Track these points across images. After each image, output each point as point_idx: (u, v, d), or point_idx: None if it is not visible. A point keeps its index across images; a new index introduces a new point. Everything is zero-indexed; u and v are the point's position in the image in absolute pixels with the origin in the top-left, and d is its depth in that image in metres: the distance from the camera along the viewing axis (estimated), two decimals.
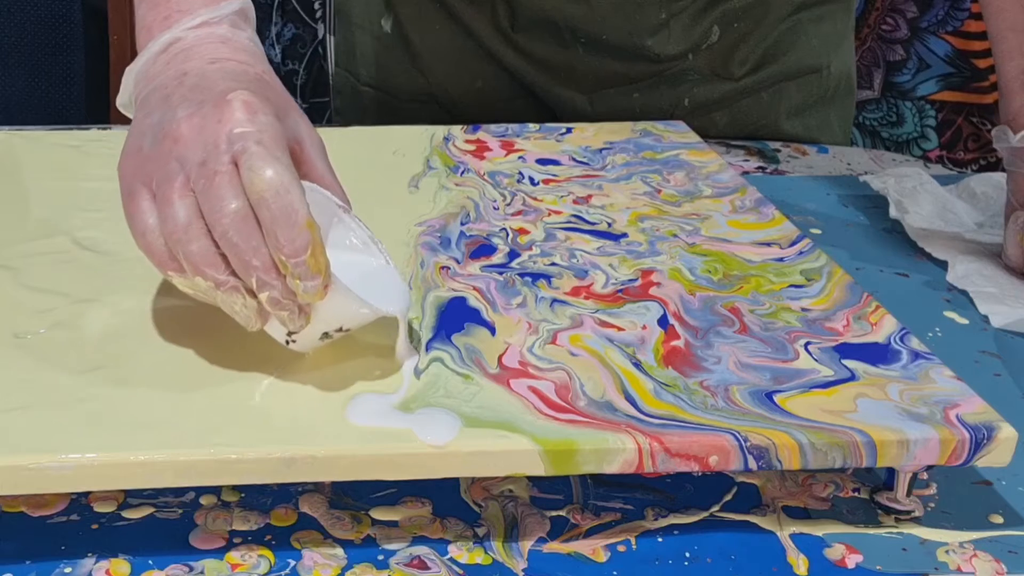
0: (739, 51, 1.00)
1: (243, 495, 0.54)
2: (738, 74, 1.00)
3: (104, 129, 0.90)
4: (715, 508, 0.55)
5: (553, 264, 0.67)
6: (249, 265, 0.52)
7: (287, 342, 0.55)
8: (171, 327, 0.58)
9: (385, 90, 1.04)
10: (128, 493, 0.54)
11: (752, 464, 0.51)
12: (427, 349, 0.57)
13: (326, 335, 0.55)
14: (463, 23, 0.99)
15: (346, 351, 0.57)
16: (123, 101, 0.62)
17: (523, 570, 0.50)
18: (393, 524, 0.53)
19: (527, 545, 0.52)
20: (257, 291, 0.52)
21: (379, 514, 0.53)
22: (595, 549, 0.52)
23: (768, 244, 0.71)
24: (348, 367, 0.55)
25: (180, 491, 0.54)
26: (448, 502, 0.54)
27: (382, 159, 0.83)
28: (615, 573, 0.50)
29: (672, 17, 0.96)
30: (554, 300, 0.62)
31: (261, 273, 0.52)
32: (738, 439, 0.51)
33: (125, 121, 0.62)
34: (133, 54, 0.61)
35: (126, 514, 0.53)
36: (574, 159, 0.84)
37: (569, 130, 0.90)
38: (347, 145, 0.86)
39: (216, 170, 0.52)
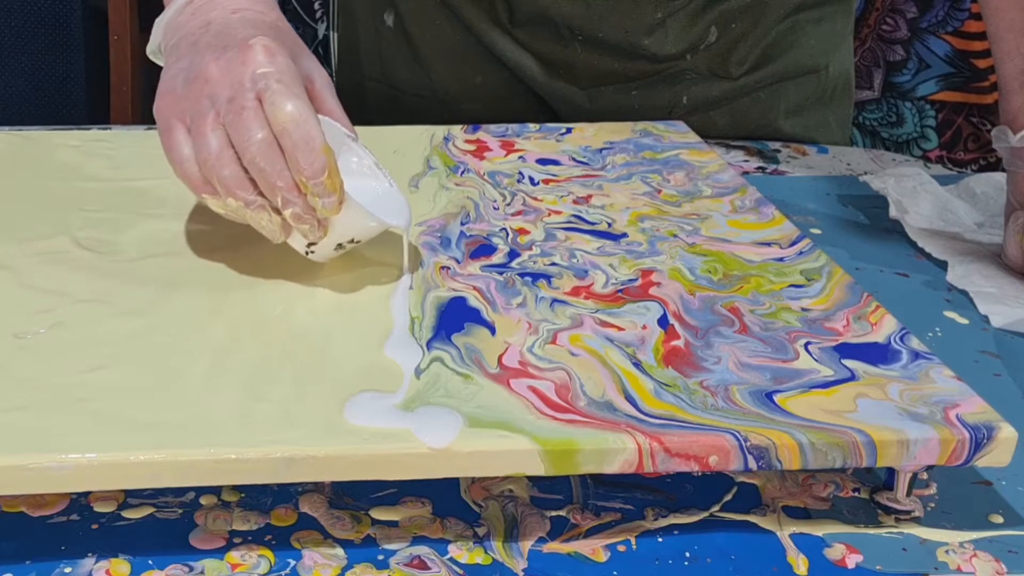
0: (737, 51, 1.00)
1: (243, 495, 0.54)
2: (736, 74, 1.00)
3: (104, 129, 0.90)
4: (715, 508, 0.55)
5: (553, 264, 0.67)
6: (274, 186, 0.59)
7: (307, 252, 0.63)
8: (172, 328, 0.58)
9: (388, 84, 1.04)
10: (128, 493, 0.54)
11: (752, 464, 0.51)
12: (427, 349, 0.57)
13: (340, 246, 0.63)
14: (462, 18, 0.99)
15: (355, 262, 0.65)
16: (152, 49, 0.69)
17: (523, 570, 0.50)
18: (393, 524, 0.53)
19: (527, 545, 0.52)
20: (282, 208, 0.60)
21: (379, 514, 0.53)
22: (595, 549, 0.52)
23: (768, 244, 0.71)
24: (349, 366, 0.55)
25: (180, 491, 0.54)
26: (448, 502, 0.54)
27: (382, 159, 0.82)
28: (615, 573, 0.50)
29: (668, 17, 0.97)
30: (554, 300, 0.62)
31: (285, 193, 0.59)
32: (738, 439, 0.51)
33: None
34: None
35: (126, 514, 0.53)
36: (574, 159, 0.84)
37: (569, 130, 0.90)
38: None
39: (243, 105, 0.59)
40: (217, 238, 0.68)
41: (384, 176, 0.66)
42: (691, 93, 1.01)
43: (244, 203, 0.60)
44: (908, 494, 0.55)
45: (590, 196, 0.77)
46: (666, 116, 1.00)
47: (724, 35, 0.99)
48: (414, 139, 0.86)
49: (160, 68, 0.66)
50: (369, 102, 1.06)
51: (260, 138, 0.59)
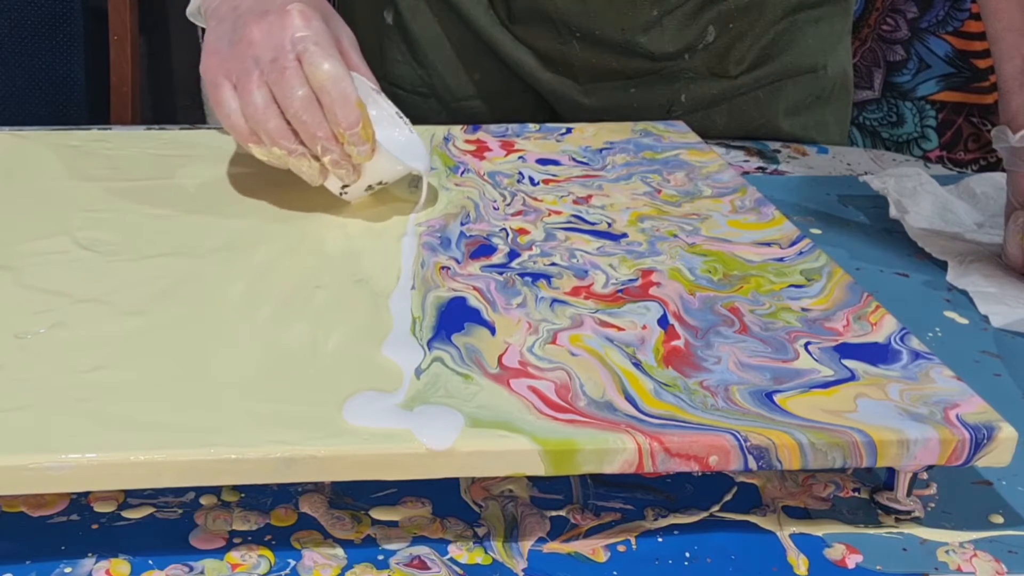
0: (735, 51, 1.00)
1: (243, 495, 0.54)
2: (734, 73, 1.01)
3: (104, 129, 0.90)
4: (715, 508, 0.55)
5: (553, 264, 0.67)
6: (315, 136, 0.67)
7: (341, 193, 0.72)
8: (172, 327, 0.58)
9: (389, 82, 1.05)
10: (128, 493, 0.54)
11: (752, 464, 0.51)
12: (428, 349, 0.57)
13: (370, 187, 0.72)
14: (461, 14, 1.00)
15: (375, 199, 0.74)
16: (191, 10, 0.76)
17: (523, 570, 0.50)
18: (393, 524, 0.53)
19: (527, 545, 0.52)
20: (320, 156, 0.68)
21: (379, 514, 0.53)
22: (595, 549, 0.52)
23: (768, 244, 0.71)
24: (350, 366, 0.55)
25: (180, 491, 0.54)
26: (448, 502, 0.54)
27: None
28: (615, 573, 0.50)
29: (664, 15, 0.97)
30: (554, 300, 0.62)
31: (324, 142, 0.67)
32: (738, 439, 0.51)
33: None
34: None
35: (126, 514, 0.53)
36: (574, 159, 0.84)
37: (569, 130, 0.90)
38: None
39: (285, 66, 0.67)
40: (217, 238, 0.68)
41: (405, 124, 0.75)
42: (690, 91, 1.01)
43: (287, 152, 0.68)
44: (908, 494, 0.55)
45: (590, 196, 0.77)
46: (665, 114, 1.00)
47: (722, 35, 0.99)
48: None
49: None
50: None
51: (301, 94, 0.66)
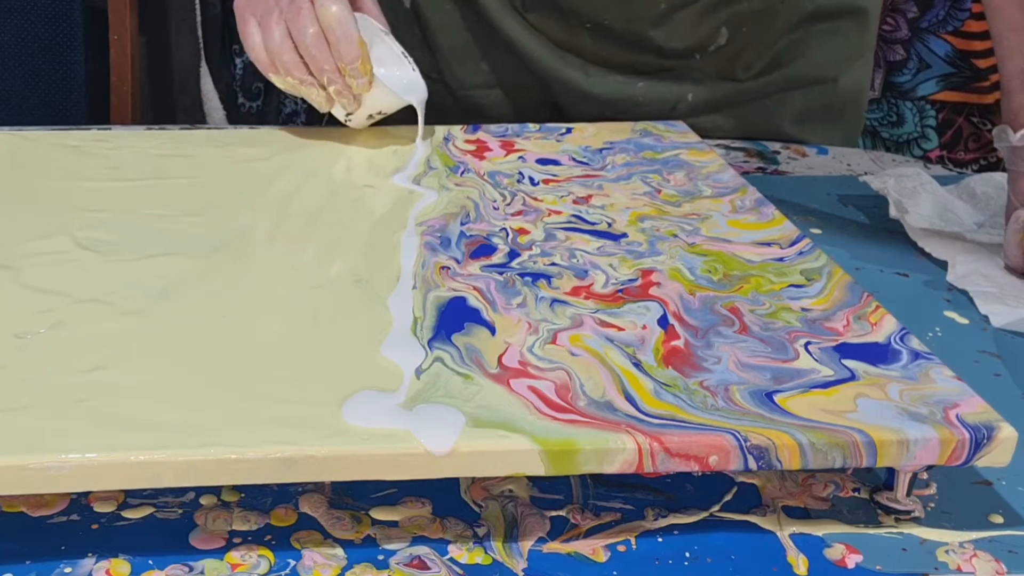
0: (745, 55, 1.00)
1: (243, 495, 0.54)
2: (742, 77, 1.00)
3: (104, 129, 0.90)
4: (715, 508, 0.55)
5: (553, 264, 0.67)
6: (322, 69, 0.79)
7: (346, 120, 0.85)
8: (172, 327, 0.58)
9: None
10: (128, 493, 0.54)
11: (752, 464, 0.51)
12: (428, 349, 0.57)
13: (370, 116, 0.84)
14: (475, 1, 1.00)
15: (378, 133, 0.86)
16: None
17: (523, 570, 0.50)
18: (393, 524, 0.53)
19: (527, 545, 0.52)
20: (327, 86, 0.80)
21: (379, 514, 0.53)
22: (595, 549, 0.52)
23: (768, 244, 0.71)
24: (350, 366, 0.55)
25: (180, 491, 0.54)
26: (448, 502, 0.54)
27: (382, 158, 0.83)
28: (615, 573, 0.50)
29: (673, 11, 0.97)
30: (554, 300, 0.62)
31: (329, 74, 0.79)
32: (738, 439, 0.51)
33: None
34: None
35: (126, 514, 0.53)
36: (574, 159, 0.84)
37: (569, 130, 0.90)
38: (348, 143, 0.86)
39: (300, 7, 0.78)
40: (217, 239, 0.68)
41: (408, 63, 0.85)
42: (696, 92, 1.01)
43: (299, 81, 0.80)
44: (908, 494, 0.55)
45: (590, 196, 0.77)
46: (670, 111, 1.00)
47: (734, 38, 0.99)
48: (414, 139, 0.86)
49: None
50: None
51: (312, 32, 0.78)
